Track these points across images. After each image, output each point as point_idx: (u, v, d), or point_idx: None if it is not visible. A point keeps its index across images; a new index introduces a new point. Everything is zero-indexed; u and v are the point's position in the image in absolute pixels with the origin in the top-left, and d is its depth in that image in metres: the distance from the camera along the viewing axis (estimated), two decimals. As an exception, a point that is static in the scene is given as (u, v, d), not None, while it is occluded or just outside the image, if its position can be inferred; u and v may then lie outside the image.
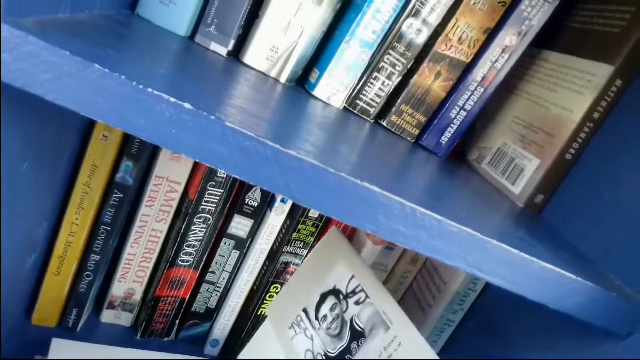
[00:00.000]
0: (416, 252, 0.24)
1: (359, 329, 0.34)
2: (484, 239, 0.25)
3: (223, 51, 0.37)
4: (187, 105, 0.20)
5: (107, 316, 0.50)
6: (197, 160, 0.21)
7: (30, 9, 0.21)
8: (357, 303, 0.35)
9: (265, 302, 0.51)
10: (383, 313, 0.32)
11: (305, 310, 0.38)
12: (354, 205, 0.23)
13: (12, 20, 0.19)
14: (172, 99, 0.20)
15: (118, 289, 0.49)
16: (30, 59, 0.19)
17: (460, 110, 0.44)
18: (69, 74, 0.20)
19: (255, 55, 0.37)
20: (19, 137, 0.26)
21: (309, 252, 0.49)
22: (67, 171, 0.39)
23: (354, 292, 0.35)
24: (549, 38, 0.46)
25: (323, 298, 0.38)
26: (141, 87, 0.20)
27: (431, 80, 0.43)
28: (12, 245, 0.34)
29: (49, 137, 0.31)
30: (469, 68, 0.43)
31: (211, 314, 0.52)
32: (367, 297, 0.34)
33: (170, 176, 0.44)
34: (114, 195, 0.41)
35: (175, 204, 0.46)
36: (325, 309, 0.37)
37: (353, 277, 0.36)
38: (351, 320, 0.34)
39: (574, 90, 0.41)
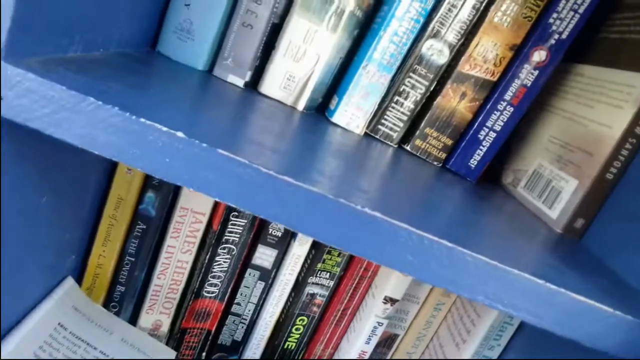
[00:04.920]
0: (427, 283, 0.23)
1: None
2: (502, 267, 0.23)
3: (240, 82, 0.37)
4: (180, 134, 0.20)
5: (137, 347, 0.50)
6: (192, 190, 0.21)
7: (37, 49, 0.22)
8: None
9: (291, 334, 0.49)
10: None
11: None
12: (356, 233, 0.22)
13: (14, 60, 0.20)
14: (164, 128, 0.20)
15: (146, 321, 0.49)
16: (28, 95, 0.20)
17: (489, 131, 0.42)
18: (65, 108, 0.20)
19: (272, 84, 0.37)
20: (34, 171, 0.27)
21: (335, 283, 0.48)
22: (94, 205, 0.40)
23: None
24: (583, 51, 0.44)
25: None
26: (134, 117, 0.20)
27: (456, 101, 0.41)
28: (37, 276, 0.35)
29: (68, 172, 0.32)
30: (496, 87, 0.41)
31: (237, 347, 0.51)
32: None
33: (194, 207, 0.44)
34: (138, 227, 0.42)
35: (200, 235, 0.46)
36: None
37: None
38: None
39: (612, 105, 0.38)
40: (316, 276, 0.47)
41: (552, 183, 0.40)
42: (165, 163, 0.21)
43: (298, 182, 0.21)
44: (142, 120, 0.20)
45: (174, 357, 0.47)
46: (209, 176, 0.21)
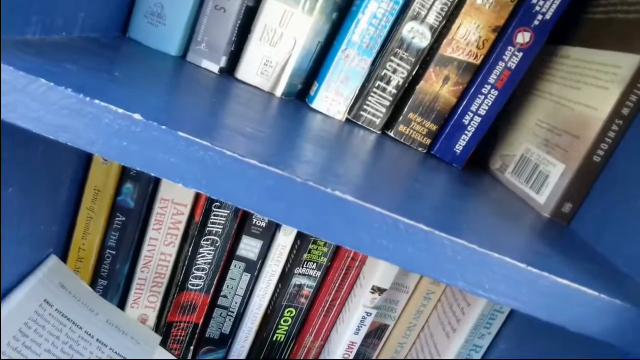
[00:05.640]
0: (403, 268, 0.22)
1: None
2: (482, 251, 0.22)
3: (214, 68, 0.36)
4: (137, 116, 0.19)
5: (122, 343, 0.49)
6: (152, 174, 0.20)
7: (-12, 30, 0.21)
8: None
9: (280, 326, 0.49)
10: None
11: None
12: (328, 218, 0.21)
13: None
14: (120, 110, 0.19)
15: (131, 315, 0.48)
16: (-25, 77, 0.19)
17: (473, 115, 0.41)
18: (15, 89, 0.19)
19: (248, 69, 0.36)
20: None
21: (322, 273, 0.47)
22: (71, 196, 0.39)
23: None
24: (568, 32, 0.43)
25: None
26: (87, 98, 0.19)
27: (439, 85, 0.40)
28: (12, 270, 0.34)
29: (38, 161, 0.31)
30: (479, 70, 0.40)
31: (225, 340, 0.50)
32: None
33: (175, 198, 0.43)
34: (117, 219, 0.41)
35: (182, 227, 0.45)
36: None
37: None
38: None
39: (598, 86, 0.37)
40: (302, 267, 0.46)
41: (540, 167, 0.39)
42: (123, 147, 0.20)
43: (263, 165, 0.20)
44: (97, 101, 0.19)
45: (159, 341, 0.46)
46: (170, 160, 0.20)
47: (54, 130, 0.19)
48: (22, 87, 0.19)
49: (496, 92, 0.40)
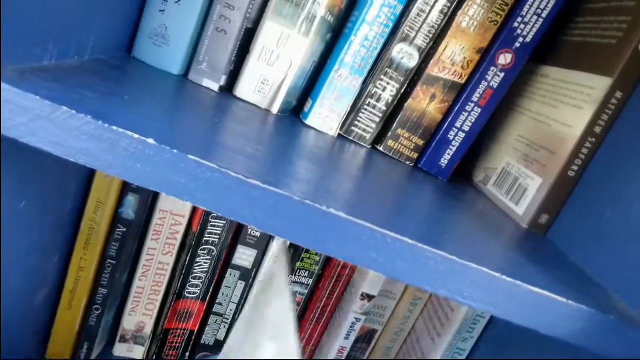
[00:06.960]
0: (391, 278, 0.24)
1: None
2: (460, 262, 0.24)
3: (214, 86, 0.38)
4: (150, 140, 0.21)
5: (119, 349, 0.51)
6: (164, 193, 0.22)
7: (10, 59, 0.23)
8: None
9: (273, 332, 0.51)
10: None
11: None
12: (322, 232, 0.23)
13: (-12, 70, 0.21)
14: (135, 135, 0.21)
15: (129, 322, 0.50)
16: (5, 105, 0.21)
17: (458, 131, 0.43)
18: (40, 117, 0.21)
19: (246, 88, 0.38)
20: (14, 177, 0.27)
21: (314, 281, 0.49)
22: (74, 208, 0.41)
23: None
24: (548, 53, 0.45)
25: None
26: (106, 125, 0.21)
27: (426, 103, 0.43)
28: (21, 278, 0.35)
29: (47, 176, 0.32)
30: (464, 88, 0.42)
31: (220, 346, 0.52)
32: None
33: (173, 209, 0.45)
34: (117, 230, 0.43)
35: (179, 237, 0.47)
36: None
37: None
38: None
39: (573, 105, 0.40)
40: (295, 274, 0.48)
41: (519, 180, 0.42)
42: (137, 169, 0.22)
43: (265, 185, 0.22)
44: (114, 127, 0.21)
45: None
46: (180, 180, 0.22)
47: (75, 153, 0.21)
48: (46, 114, 0.21)
49: (479, 110, 0.43)
